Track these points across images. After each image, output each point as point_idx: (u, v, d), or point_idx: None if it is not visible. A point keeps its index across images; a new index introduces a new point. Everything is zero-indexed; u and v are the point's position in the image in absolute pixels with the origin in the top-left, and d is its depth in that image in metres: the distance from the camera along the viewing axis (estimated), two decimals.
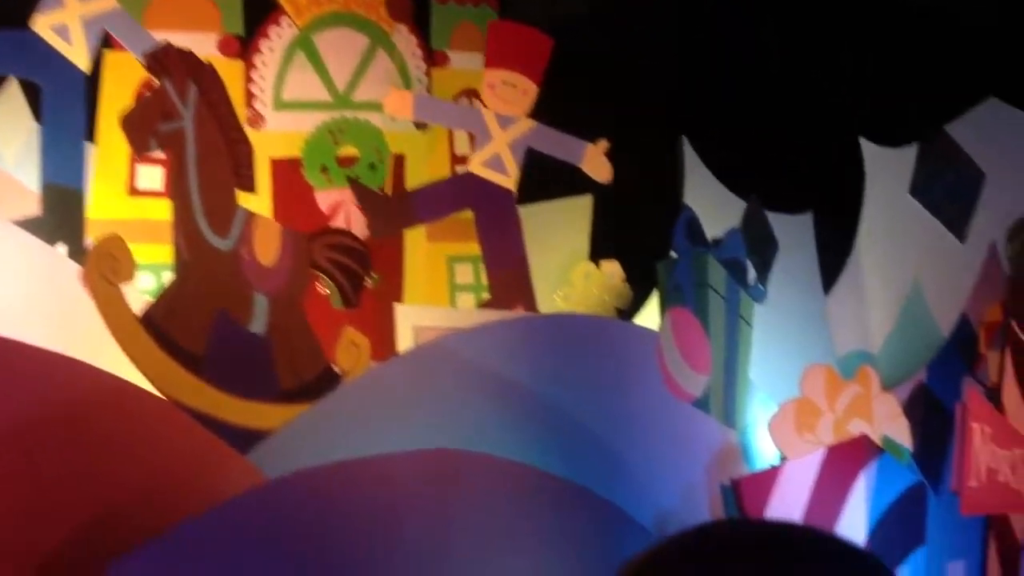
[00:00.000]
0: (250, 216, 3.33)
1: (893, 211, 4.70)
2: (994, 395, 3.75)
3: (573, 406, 2.93)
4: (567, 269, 4.55)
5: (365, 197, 4.01)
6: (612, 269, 4.53)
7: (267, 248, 3.29)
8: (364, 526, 2.24)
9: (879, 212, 4.67)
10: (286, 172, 4.33)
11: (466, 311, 3.98)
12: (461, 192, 4.19)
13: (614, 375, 3.16)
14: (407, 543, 2.26)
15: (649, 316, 4.21)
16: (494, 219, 4.19)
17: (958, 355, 4.11)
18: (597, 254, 4.62)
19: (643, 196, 4.61)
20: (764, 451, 3.67)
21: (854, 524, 3.40)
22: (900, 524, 3.49)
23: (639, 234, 4.43)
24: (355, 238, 3.57)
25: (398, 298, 4.16)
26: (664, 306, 3.65)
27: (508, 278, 4.14)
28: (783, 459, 3.46)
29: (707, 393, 3.53)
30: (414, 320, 3.55)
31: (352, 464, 2.36)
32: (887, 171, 4.70)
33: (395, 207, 4.09)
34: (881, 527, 3.45)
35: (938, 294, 4.51)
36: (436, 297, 4.38)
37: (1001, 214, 4.61)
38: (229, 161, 3.28)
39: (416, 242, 4.37)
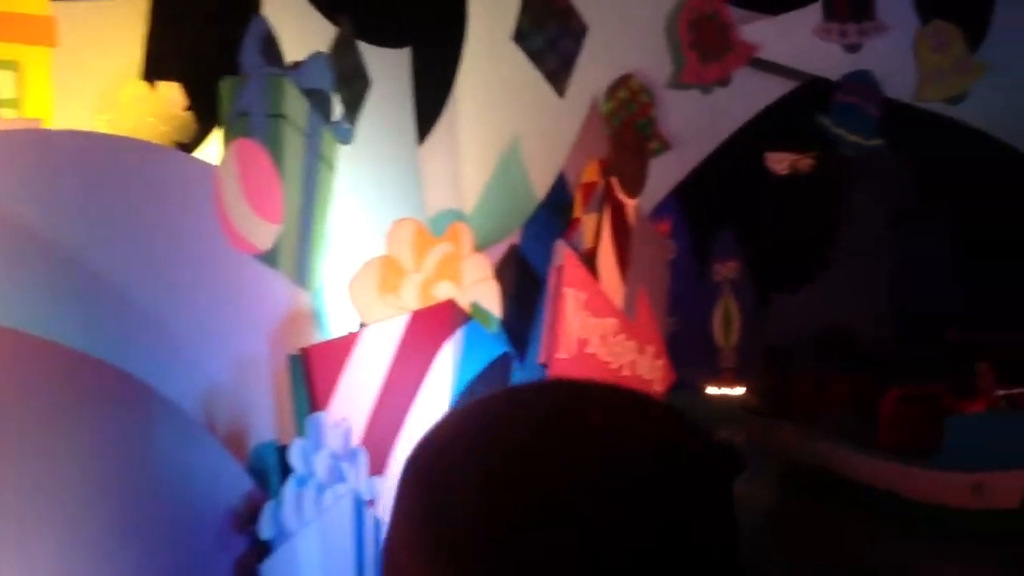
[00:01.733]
0: None
1: (495, 58, 4.33)
2: (589, 261, 3.53)
3: (93, 253, 2.20)
4: (113, 88, 3.71)
5: None
6: (171, 93, 3.76)
7: None
8: None
9: (480, 57, 4.27)
10: None
11: None
12: None
13: (154, 217, 2.45)
14: None
15: (211, 150, 3.50)
16: None
17: (553, 217, 3.86)
18: (153, 73, 3.80)
19: (212, 4, 3.82)
20: (341, 315, 3.15)
21: (436, 397, 3.02)
22: None
23: (207, 51, 3.66)
24: None
25: None
26: (228, 136, 2.95)
27: None
28: (362, 324, 2.98)
29: (276, 246, 2.90)
30: None
31: None
32: (492, 12, 4.30)
33: None
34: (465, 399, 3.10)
35: (535, 152, 4.23)
36: None
37: (603, 71, 4.42)
38: None
39: None
